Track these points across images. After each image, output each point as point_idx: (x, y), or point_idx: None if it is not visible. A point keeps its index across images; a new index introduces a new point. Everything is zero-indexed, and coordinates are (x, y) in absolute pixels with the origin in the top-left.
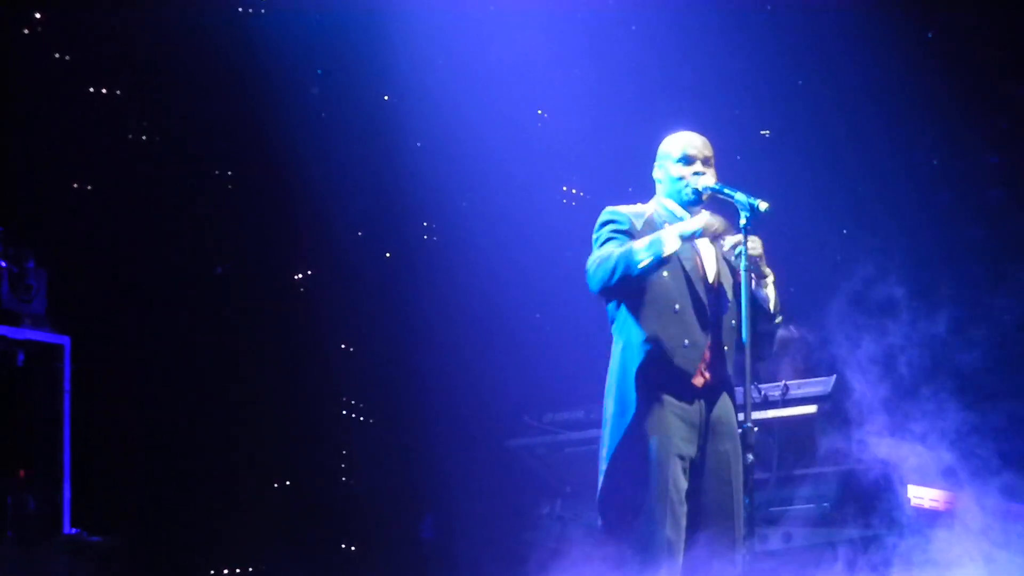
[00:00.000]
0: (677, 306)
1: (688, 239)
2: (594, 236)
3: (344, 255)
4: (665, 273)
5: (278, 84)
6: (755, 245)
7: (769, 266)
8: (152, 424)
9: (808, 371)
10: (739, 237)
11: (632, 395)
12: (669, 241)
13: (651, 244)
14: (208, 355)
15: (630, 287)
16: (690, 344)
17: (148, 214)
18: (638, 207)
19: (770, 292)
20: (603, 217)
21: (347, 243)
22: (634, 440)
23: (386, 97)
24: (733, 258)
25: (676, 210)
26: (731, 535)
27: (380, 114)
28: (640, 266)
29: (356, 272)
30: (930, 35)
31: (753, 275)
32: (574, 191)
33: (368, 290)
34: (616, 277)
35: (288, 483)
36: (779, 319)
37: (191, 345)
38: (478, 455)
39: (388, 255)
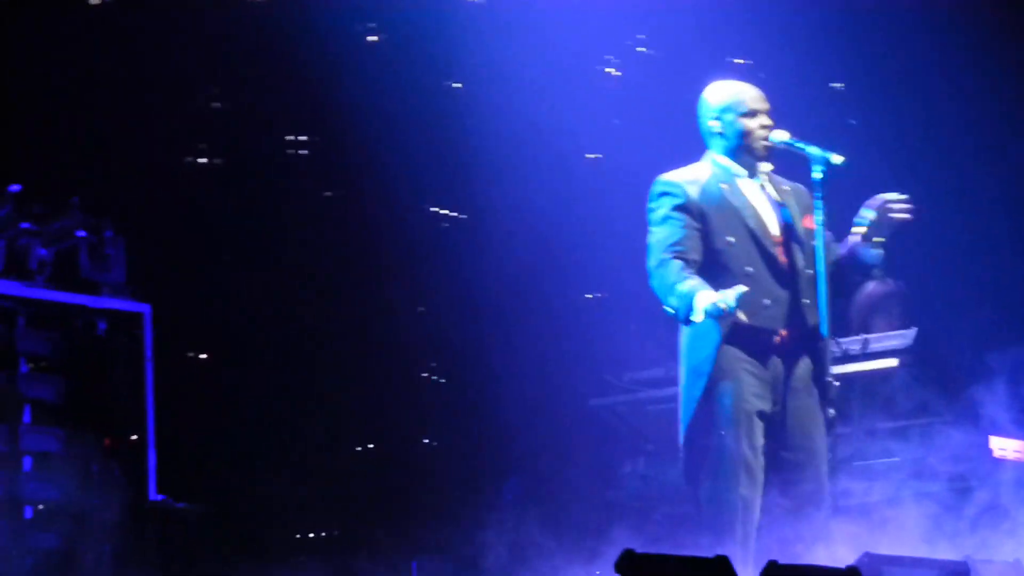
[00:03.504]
0: (750, 268)
1: (712, 315)
2: (650, 207)
3: (418, 217)
4: (731, 238)
5: (347, 53)
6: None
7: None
8: (233, 390)
9: (904, 324)
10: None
11: (706, 357)
12: (696, 312)
13: (681, 299)
14: (286, 321)
15: None
16: (772, 303)
17: (224, 181)
18: (691, 171)
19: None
20: (657, 188)
21: (420, 206)
22: (707, 400)
23: (458, 85)
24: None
25: (733, 167)
26: (814, 490)
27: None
28: (667, 308)
29: (430, 235)
30: None
31: (877, 237)
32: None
33: (444, 252)
34: (658, 296)
35: (371, 446)
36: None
37: (269, 311)
38: (560, 415)
39: (466, 216)
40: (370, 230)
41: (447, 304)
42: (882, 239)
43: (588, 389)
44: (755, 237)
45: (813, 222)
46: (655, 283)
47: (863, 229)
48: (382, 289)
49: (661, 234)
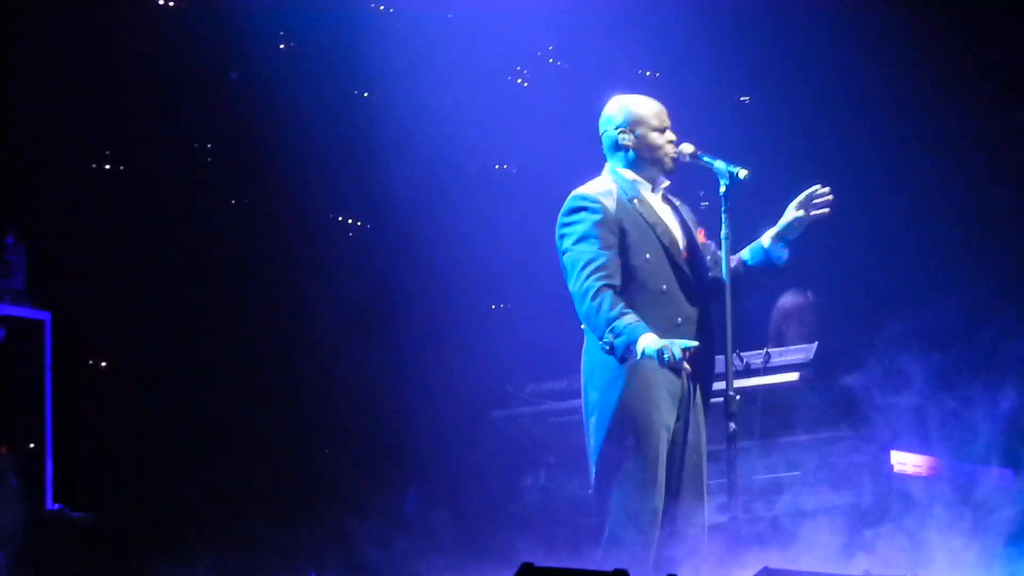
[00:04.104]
0: (664, 287)
1: (651, 358)
2: (566, 221)
3: (323, 225)
4: (648, 255)
5: (255, 61)
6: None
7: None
8: (133, 399)
9: (817, 335)
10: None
11: (620, 369)
12: (637, 354)
13: (620, 337)
14: (188, 330)
15: None
16: (683, 321)
17: (127, 188)
18: (602, 184)
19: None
20: (573, 203)
21: (325, 214)
22: (622, 410)
23: (366, 95)
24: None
25: (638, 181)
26: (700, 503)
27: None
28: (601, 343)
29: (336, 243)
30: None
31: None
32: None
33: (349, 261)
34: (585, 324)
35: (270, 455)
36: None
37: (170, 320)
38: (462, 427)
39: (370, 226)
40: (275, 238)
41: (350, 313)
42: (795, 236)
43: (490, 401)
44: (668, 253)
45: (704, 236)
46: (585, 311)
47: (796, 214)
48: (286, 298)
49: (585, 254)
